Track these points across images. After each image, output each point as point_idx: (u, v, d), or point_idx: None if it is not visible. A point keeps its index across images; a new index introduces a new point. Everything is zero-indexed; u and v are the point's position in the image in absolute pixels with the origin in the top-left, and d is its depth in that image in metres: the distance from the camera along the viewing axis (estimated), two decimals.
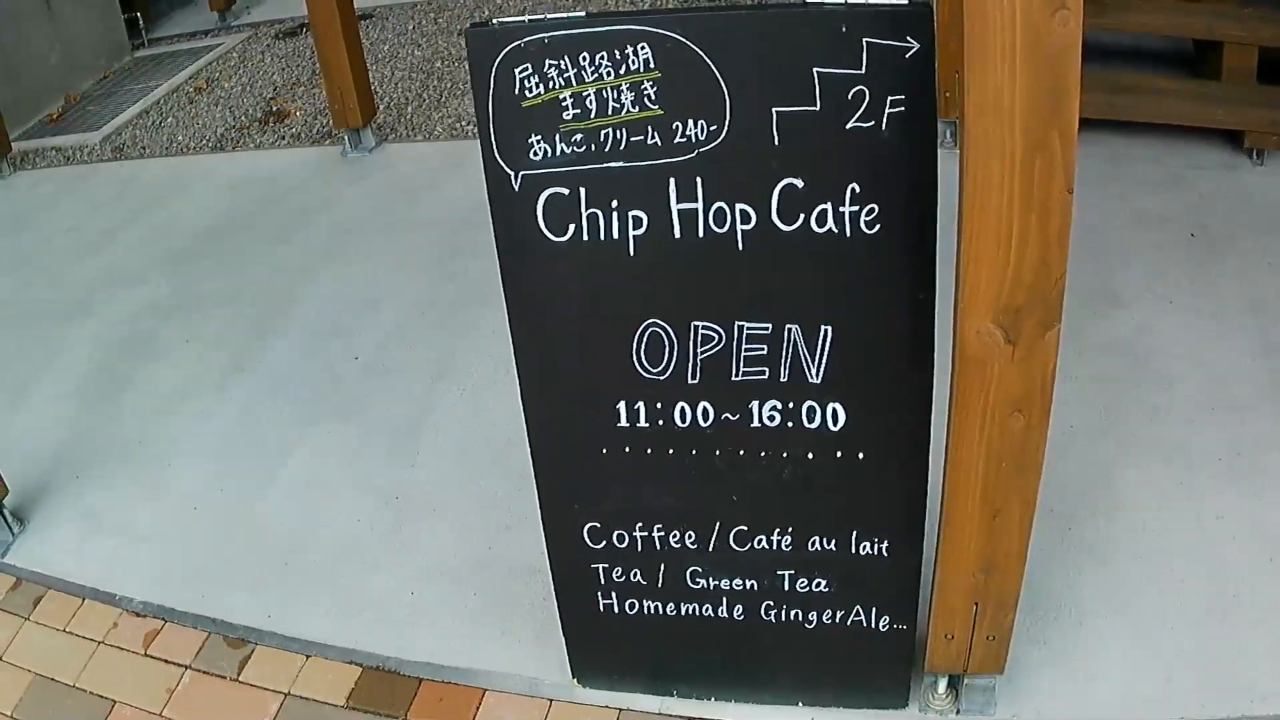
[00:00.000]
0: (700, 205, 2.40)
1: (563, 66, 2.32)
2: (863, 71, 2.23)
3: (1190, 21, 5.77)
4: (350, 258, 5.55)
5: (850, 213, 2.36)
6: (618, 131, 2.36)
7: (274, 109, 7.52)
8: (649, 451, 2.71)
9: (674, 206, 2.41)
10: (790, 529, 2.78)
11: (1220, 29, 5.52)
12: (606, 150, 2.38)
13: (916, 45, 2.20)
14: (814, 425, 2.60)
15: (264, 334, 5.03)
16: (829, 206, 2.36)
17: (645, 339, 2.57)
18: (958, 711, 2.99)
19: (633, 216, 2.43)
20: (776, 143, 2.32)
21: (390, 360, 4.71)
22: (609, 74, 2.32)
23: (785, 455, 2.66)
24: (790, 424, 2.61)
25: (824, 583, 2.85)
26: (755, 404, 2.61)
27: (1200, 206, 4.92)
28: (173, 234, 6.09)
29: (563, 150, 2.40)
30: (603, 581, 2.95)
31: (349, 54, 6.24)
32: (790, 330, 2.51)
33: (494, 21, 2.35)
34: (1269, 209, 4.87)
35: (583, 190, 2.43)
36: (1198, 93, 5.48)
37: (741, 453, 2.68)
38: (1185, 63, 5.97)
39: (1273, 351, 4.03)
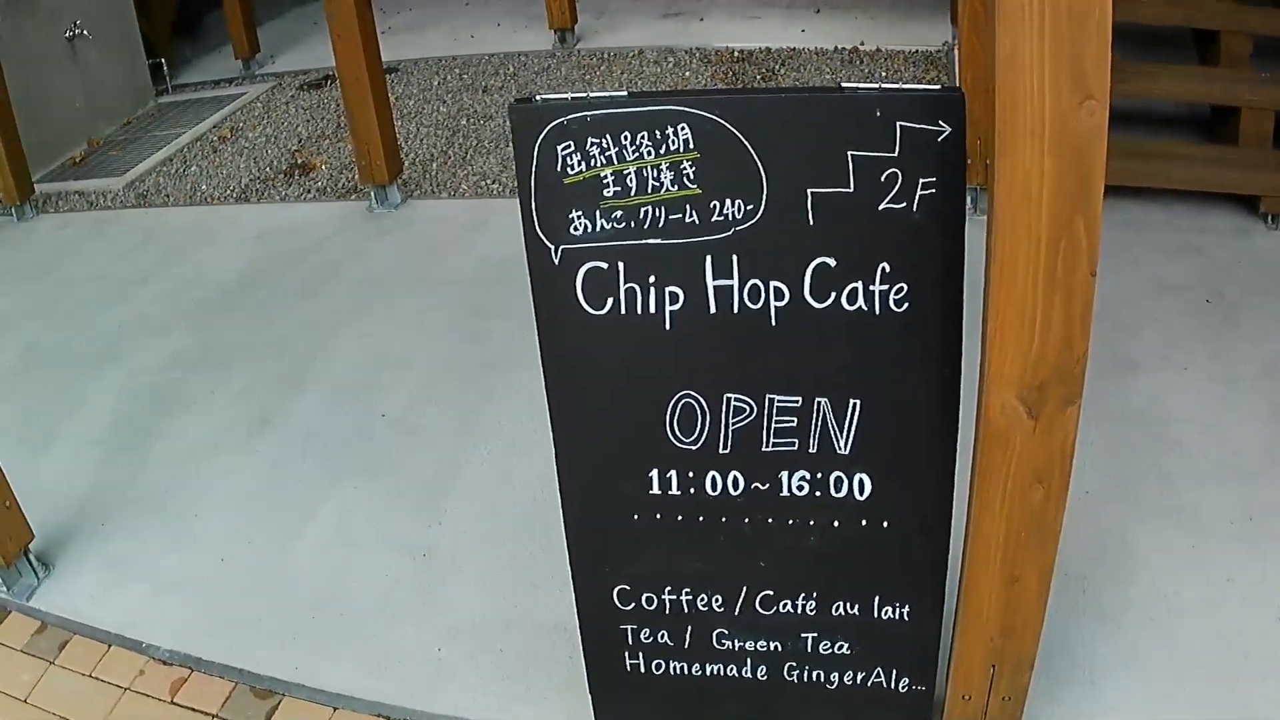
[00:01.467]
0: (735, 282, 2.45)
1: (604, 145, 2.37)
2: (896, 154, 2.29)
3: (1207, 87, 5.87)
4: (376, 314, 5.57)
5: (880, 291, 2.41)
6: (657, 209, 2.41)
7: (299, 161, 7.55)
8: (680, 518, 2.74)
9: (710, 283, 2.45)
10: (815, 594, 2.82)
11: (1237, 94, 5.61)
12: (645, 227, 2.42)
13: (948, 129, 2.26)
14: (841, 495, 2.65)
15: (291, 388, 5.05)
16: (860, 285, 2.41)
17: (679, 409, 2.61)
18: None
19: (669, 292, 2.48)
20: (811, 222, 2.37)
21: (417, 418, 4.72)
22: (649, 153, 2.36)
23: (812, 523, 2.70)
24: (818, 493, 2.66)
25: (846, 645, 2.89)
26: (785, 474, 2.65)
27: (1215, 272, 4.99)
28: (198, 285, 6.11)
29: (603, 226, 2.44)
30: (631, 642, 2.99)
31: (376, 110, 6.28)
32: (820, 403, 2.55)
33: (537, 98, 2.39)
34: None
35: (621, 265, 2.47)
36: (1213, 158, 5.56)
37: (770, 520, 2.72)
38: (1202, 127, 6.03)
39: None
